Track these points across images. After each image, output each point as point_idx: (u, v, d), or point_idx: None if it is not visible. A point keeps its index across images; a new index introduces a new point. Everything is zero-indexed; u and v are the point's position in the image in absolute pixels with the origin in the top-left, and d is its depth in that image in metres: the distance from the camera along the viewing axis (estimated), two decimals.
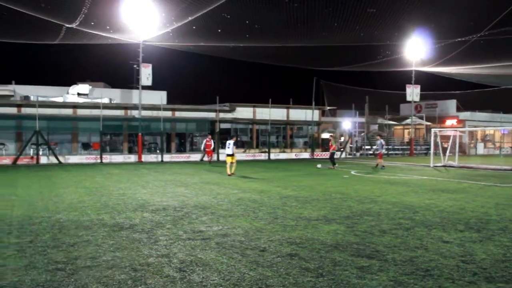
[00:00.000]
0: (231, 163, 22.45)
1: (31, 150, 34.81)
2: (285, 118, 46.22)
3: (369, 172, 24.93)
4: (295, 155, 43.79)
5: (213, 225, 9.63)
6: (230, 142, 22.68)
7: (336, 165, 28.65)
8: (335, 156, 30.75)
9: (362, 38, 38.16)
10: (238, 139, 45.11)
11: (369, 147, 47.53)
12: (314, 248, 7.71)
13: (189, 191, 15.62)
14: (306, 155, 44.12)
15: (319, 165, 29.36)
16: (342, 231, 9.07)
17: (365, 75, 66.02)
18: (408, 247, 7.85)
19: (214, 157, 36.71)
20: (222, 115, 42.49)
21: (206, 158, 33.82)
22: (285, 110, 46.35)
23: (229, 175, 22.20)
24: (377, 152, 29.15)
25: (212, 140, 33.71)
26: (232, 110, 43.32)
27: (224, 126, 42.96)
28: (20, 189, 16.38)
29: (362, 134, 50.98)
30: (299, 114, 47.03)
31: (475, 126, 52.30)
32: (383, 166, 28.48)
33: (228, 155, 22.58)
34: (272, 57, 47.14)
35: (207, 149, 33.08)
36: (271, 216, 10.68)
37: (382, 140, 29.53)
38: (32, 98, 38.35)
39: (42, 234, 8.69)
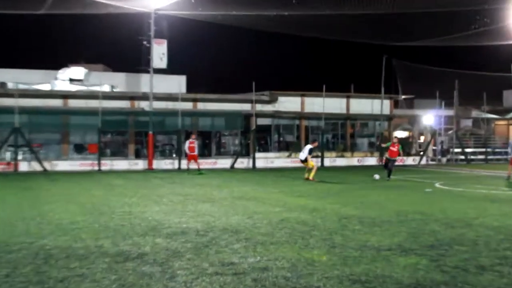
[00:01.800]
0: (308, 168, 26.53)
1: (8, 153, 35.63)
2: (344, 111, 46.04)
3: (460, 185, 24.49)
4: (358, 160, 43.56)
5: (249, 255, 9.57)
6: (306, 147, 27.09)
7: (391, 177, 27.33)
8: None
9: (449, 1, 37.55)
10: (281, 138, 45.11)
11: (459, 150, 46.77)
12: None
13: (217, 209, 15.64)
14: (372, 160, 43.81)
15: (376, 176, 27.56)
16: (424, 266, 8.87)
17: (453, 52, 64.86)
18: None
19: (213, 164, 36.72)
20: (259, 107, 42.57)
21: (191, 166, 33.08)
22: (344, 100, 46.19)
23: (306, 179, 26.25)
24: (510, 157, 28.15)
25: (196, 141, 33.41)
26: (273, 100, 43.36)
27: (262, 121, 43.02)
28: None
29: (450, 132, 50.21)
30: (363, 105, 46.75)
31: None
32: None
33: (301, 161, 27.01)
34: (327, 29, 46.91)
35: (190, 153, 32.44)
36: (327, 244, 10.56)
37: None
38: (9, 85, 39.29)
39: (22, 265, 8.80)
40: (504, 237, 11.51)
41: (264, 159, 40.39)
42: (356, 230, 12.24)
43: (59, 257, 9.38)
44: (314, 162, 27.16)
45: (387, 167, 27.60)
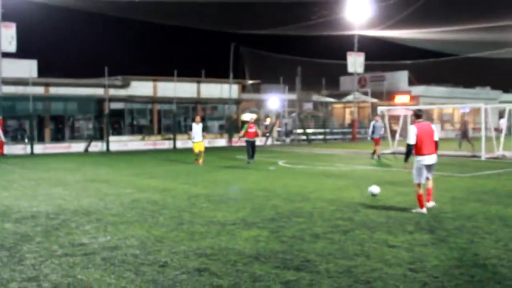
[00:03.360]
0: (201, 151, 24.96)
1: None
2: (195, 95, 46.14)
3: (301, 163, 25.48)
4: (208, 142, 43.87)
5: (99, 235, 9.49)
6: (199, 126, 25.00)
7: (253, 160, 25.46)
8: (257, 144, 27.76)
9: None
10: (134, 122, 44.60)
11: (301, 130, 48.49)
12: (229, 260, 7.81)
13: (69, 192, 15.27)
14: (222, 142, 44.40)
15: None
16: (265, 238, 9.24)
17: (296, 40, 66.94)
18: (346, 255, 8.13)
19: None
20: (112, 91, 41.70)
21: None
22: (195, 85, 46.28)
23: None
24: (375, 137, 26.97)
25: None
26: (126, 85, 42.61)
27: (115, 106, 42.21)
28: None
29: (293, 114, 51.93)
30: (213, 90, 47.12)
31: (431, 104, 54.72)
32: (379, 156, 26.88)
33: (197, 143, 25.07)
34: (178, 17, 46.76)
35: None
36: (175, 222, 10.68)
37: (380, 122, 28.12)
38: None
39: None
40: (336, 208, 12.21)
41: (118, 143, 39.66)
42: (204, 207, 12.47)
43: None
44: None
45: (251, 150, 25.57)
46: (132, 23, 66.67)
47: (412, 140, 11.58)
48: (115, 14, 46.66)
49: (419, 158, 11.68)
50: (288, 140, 48.06)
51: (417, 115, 12.14)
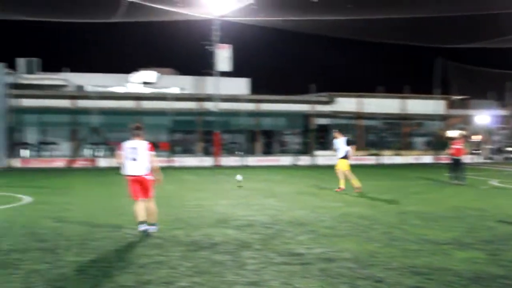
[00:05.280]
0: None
1: (87, 150, 36.64)
2: (400, 111, 45.40)
3: None
4: (414, 158, 42.88)
5: (314, 246, 9.61)
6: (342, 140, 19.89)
7: (463, 181, 22.31)
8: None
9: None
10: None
11: None
12: (446, 281, 7.46)
13: (281, 203, 15.73)
14: (427, 158, 43.10)
15: (238, 177, 21.44)
16: (483, 260, 8.72)
17: (506, 53, 63.22)
18: None
19: None
20: (318, 107, 42.49)
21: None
22: (400, 101, 45.55)
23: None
24: None
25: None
26: (331, 101, 43.21)
27: (321, 121, 42.93)
28: (77, 198, 17.29)
29: (505, 131, 48.89)
30: (418, 106, 46.03)
31: None
32: None
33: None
34: (383, 33, 46.34)
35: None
36: (387, 238, 10.50)
37: None
38: (88, 88, 40.31)
39: (105, 252, 9.10)
40: None
41: (324, 157, 40.26)
42: (415, 224, 12.12)
43: (138, 245, 9.65)
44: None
45: (456, 169, 22.86)
46: (337, 41, 67.46)
47: None
48: (321, 33, 47.44)
49: None
50: (499, 158, 45.35)
51: None
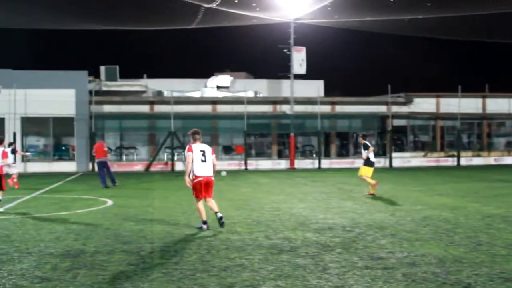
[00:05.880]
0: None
1: (165, 154, 37.38)
2: (480, 111, 44.11)
3: None
4: (494, 159, 41.56)
5: (396, 250, 9.43)
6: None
7: None
8: None
9: None
10: (417, 138, 44.08)
11: None
12: None
13: (359, 206, 15.56)
14: (509, 159, 41.64)
15: (223, 173, 20.45)
16: None
17: None
18: None
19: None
20: (395, 108, 41.82)
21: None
22: (479, 100, 44.30)
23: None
24: None
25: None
26: (408, 102, 42.44)
27: (398, 122, 42.24)
28: (157, 201, 17.63)
29: None
30: (499, 104, 44.54)
31: None
32: None
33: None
34: (459, 31, 45.15)
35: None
36: (472, 242, 10.18)
37: None
38: (165, 93, 41.14)
39: (188, 254, 9.22)
40: None
41: (400, 159, 39.61)
42: (501, 228, 11.70)
43: (220, 248, 9.72)
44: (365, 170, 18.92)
45: None
46: (414, 41, 66.05)
47: None
48: (396, 32, 46.67)
49: None
50: None
51: None
